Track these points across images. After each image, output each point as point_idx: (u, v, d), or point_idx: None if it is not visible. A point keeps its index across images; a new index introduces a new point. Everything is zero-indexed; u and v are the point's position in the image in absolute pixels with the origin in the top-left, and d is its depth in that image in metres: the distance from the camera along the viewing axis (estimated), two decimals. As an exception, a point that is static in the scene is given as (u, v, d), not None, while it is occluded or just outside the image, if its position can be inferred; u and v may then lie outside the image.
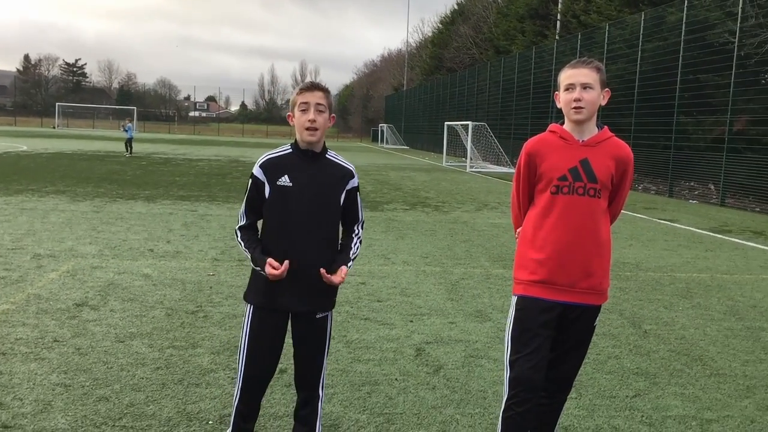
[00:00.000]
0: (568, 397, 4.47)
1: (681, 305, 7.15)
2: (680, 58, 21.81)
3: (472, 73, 46.92)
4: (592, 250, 3.12)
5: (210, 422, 3.89)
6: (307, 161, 3.15)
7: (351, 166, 3.27)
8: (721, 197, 19.95)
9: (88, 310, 5.96)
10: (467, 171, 31.28)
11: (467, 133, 33.93)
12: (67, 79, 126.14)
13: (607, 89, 3.19)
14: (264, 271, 3.07)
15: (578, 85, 3.08)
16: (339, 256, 3.22)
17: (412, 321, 6.12)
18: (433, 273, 8.23)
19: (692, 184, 22.49)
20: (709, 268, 9.35)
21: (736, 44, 19.23)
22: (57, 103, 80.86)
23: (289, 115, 3.22)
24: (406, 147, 64.56)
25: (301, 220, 3.12)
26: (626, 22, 26.24)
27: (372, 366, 4.93)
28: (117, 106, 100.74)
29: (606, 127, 3.23)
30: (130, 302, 6.28)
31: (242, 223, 3.24)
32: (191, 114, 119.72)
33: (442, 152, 39.50)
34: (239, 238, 3.25)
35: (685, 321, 6.54)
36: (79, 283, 6.92)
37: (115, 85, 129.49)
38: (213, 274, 7.50)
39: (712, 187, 21.13)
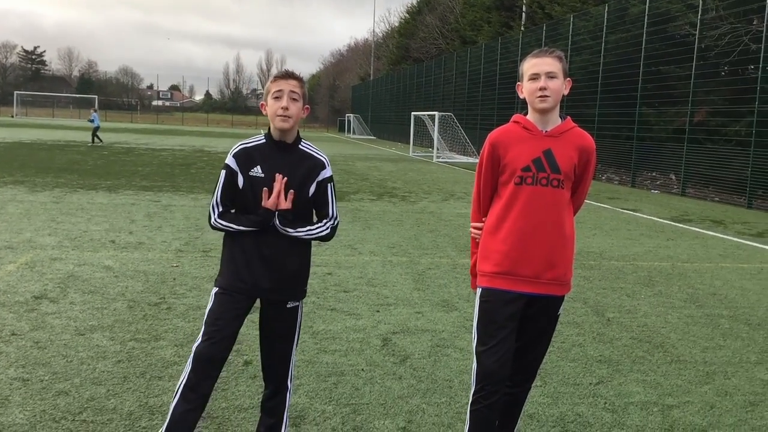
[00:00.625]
0: (533, 385, 4.52)
1: (643, 293, 7.26)
2: (643, 49, 22.11)
3: (438, 63, 46.99)
4: (556, 241, 3.12)
5: (173, 415, 3.83)
6: (279, 151, 3.12)
7: (324, 157, 3.22)
8: (682, 187, 20.32)
9: (48, 303, 5.83)
10: (434, 161, 31.36)
11: (434, 123, 34.01)
12: (25, 66, 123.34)
13: (568, 79, 3.18)
14: (264, 217, 3.03)
15: (543, 74, 3.07)
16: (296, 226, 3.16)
17: (378, 311, 6.11)
18: (400, 263, 8.23)
19: (654, 174, 22.86)
20: (671, 257, 9.51)
21: (696, 36, 19.55)
22: (15, 92, 79.02)
23: (262, 104, 3.18)
24: (373, 137, 64.49)
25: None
26: (591, 14, 26.51)
27: (338, 357, 4.91)
28: (77, 95, 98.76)
29: (569, 117, 3.23)
30: (90, 294, 6.16)
31: (219, 211, 3.15)
32: (154, 103, 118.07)
33: (409, 142, 39.54)
34: (223, 224, 3.13)
35: (647, 309, 6.64)
36: (38, 275, 6.77)
37: (76, 73, 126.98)
38: (176, 266, 7.40)
39: (674, 177, 21.50)
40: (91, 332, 5.15)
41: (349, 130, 72.04)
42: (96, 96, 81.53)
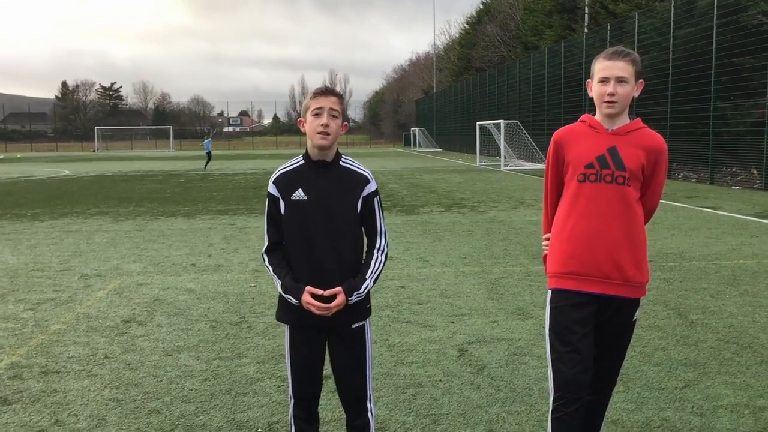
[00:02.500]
0: (616, 391, 4.43)
1: (728, 293, 7.02)
2: (713, 42, 21.41)
3: (501, 71, 46.68)
4: (622, 239, 3.03)
5: (259, 430, 3.96)
6: (320, 171, 3.04)
7: (367, 172, 3.11)
8: (764, 181, 19.49)
9: (136, 326, 6.10)
10: (501, 170, 31.10)
11: (500, 131, 33.75)
12: (104, 102, 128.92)
13: (641, 80, 3.11)
14: (297, 301, 2.98)
15: (613, 79, 3.01)
16: (354, 278, 3.04)
17: (453, 322, 6.12)
18: (472, 273, 8.21)
19: (734, 169, 22.01)
20: (756, 254, 9.15)
21: (771, 24, 18.79)
22: (95, 127, 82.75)
23: (300, 121, 3.10)
24: (439, 149, 64.45)
25: (320, 232, 3.00)
26: (656, 10, 25.85)
27: (415, 368, 4.95)
28: (153, 126, 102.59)
29: (638, 118, 3.16)
30: (175, 316, 6.41)
31: (267, 245, 3.12)
32: (225, 129, 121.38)
33: (475, 152, 39.35)
34: (267, 263, 3.12)
35: (733, 309, 6.41)
36: (126, 300, 7.08)
37: (151, 105, 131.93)
38: (254, 286, 7.60)
39: (755, 171, 20.65)
40: (178, 352, 5.36)
41: (414, 144, 72.22)
42: (171, 126, 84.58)
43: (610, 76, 3.02)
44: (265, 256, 3.14)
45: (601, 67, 3.07)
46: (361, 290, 3.02)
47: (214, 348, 5.46)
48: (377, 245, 3.13)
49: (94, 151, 75.13)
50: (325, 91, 3.04)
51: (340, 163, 3.09)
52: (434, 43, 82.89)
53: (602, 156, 3.05)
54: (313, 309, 2.95)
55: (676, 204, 15.63)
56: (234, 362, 5.12)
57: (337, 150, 3.11)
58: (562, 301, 3.09)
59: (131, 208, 16.33)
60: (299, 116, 3.15)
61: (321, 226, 3.00)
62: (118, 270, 8.69)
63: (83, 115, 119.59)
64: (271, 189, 3.08)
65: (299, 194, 3.02)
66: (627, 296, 3.09)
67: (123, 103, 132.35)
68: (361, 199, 3.06)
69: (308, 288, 2.97)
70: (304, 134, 3.09)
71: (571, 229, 3.09)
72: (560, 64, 34.01)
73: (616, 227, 3.03)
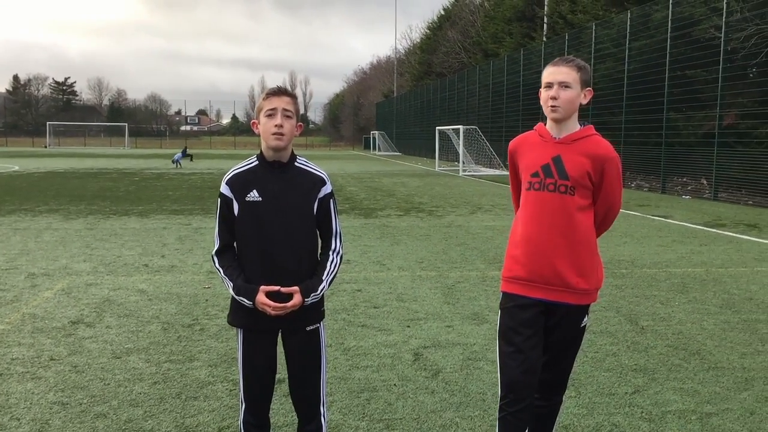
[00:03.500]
0: (567, 396, 4.47)
1: (677, 300, 7.16)
2: (668, 54, 21.92)
3: (461, 77, 47.04)
4: (562, 247, 3.07)
5: (209, 435, 3.88)
6: (275, 172, 2.99)
7: (323, 173, 3.07)
8: (713, 192, 20.01)
9: (84, 328, 5.94)
10: (460, 175, 31.31)
11: (459, 137, 33.99)
12: (57, 97, 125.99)
13: (589, 88, 3.14)
14: (250, 302, 2.93)
15: (556, 84, 3.07)
16: (311, 279, 3.01)
17: (409, 326, 6.11)
18: (429, 277, 8.23)
19: (685, 179, 22.56)
20: (704, 263, 9.37)
21: (722, 39, 19.33)
22: (48, 123, 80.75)
23: (254, 122, 3.04)
24: (398, 153, 64.61)
25: (275, 232, 2.95)
26: (613, 22, 26.36)
27: (370, 372, 4.92)
28: (108, 123, 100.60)
29: (590, 125, 3.19)
30: (125, 318, 6.26)
31: (218, 246, 3.06)
32: (183, 128, 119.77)
33: (434, 157, 39.55)
34: (217, 265, 3.07)
35: (682, 316, 6.54)
36: (74, 300, 6.89)
37: (106, 102, 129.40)
38: (209, 287, 7.48)
39: (705, 181, 21.19)
40: (127, 355, 5.23)
41: (374, 147, 72.28)
42: (126, 124, 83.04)
43: (553, 81, 3.09)
44: (216, 258, 3.08)
45: (546, 73, 3.14)
46: (318, 291, 3.00)
47: (164, 350, 5.35)
48: (332, 247, 3.10)
49: (45, 147, 73.30)
50: (278, 92, 2.99)
51: (296, 164, 3.05)
52: (395, 47, 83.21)
53: (546, 165, 3.11)
54: (268, 310, 2.91)
55: (628, 212, 15.93)
56: (185, 365, 5.02)
57: (292, 151, 3.07)
58: (509, 303, 3.17)
59: (83, 206, 15.96)
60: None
61: (276, 228, 2.96)
62: (66, 269, 8.46)
63: (35, 110, 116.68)
64: (224, 190, 3.01)
65: (254, 195, 2.96)
66: (571, 303, 3.12)
67: (77, 98, 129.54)
68: (317, 200, 3.03)
69: (262, 287, 2.93)
70: (259, 136, 3.03)
71: (518, 235, 3.18)
72: (519, 71, 34.41)
73: (557, 235, 3.08)
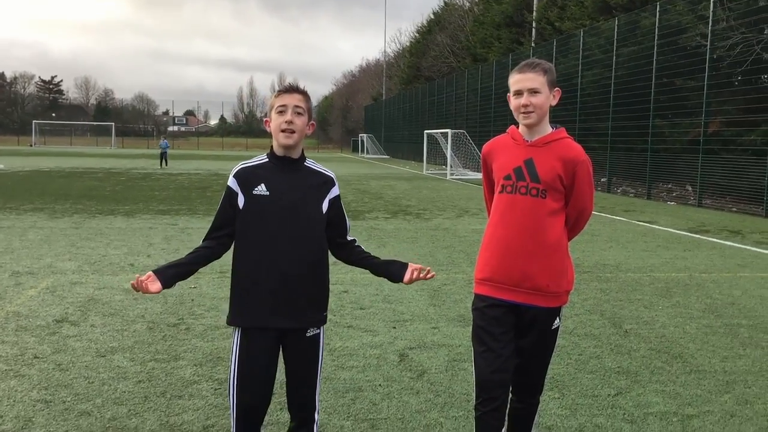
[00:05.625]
0: (551, 397, 4.51)
1: (661, 304, 7.23)
2: (654, 62, 22.11)
3: (450, 81, 47.18)
4: (533, 250, 3.08)
5: (193, 433, 3.88)
6: (284, 169, 2.95)
7: (331, 174, 3.07)
8: (698, 198, 20.20)
9: (68, 326, 5.91)
10: (448, 178, 31.40)
11: (447, 140, 34.09)
12: (43, 96, 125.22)
13: (557, 89, 3.16)
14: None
15: (525, 91, 3.09)
16: (382, 263, 3.14)
17: (395, 327, 6.14)
18: (416, 280, 8.25)
19: (670, 185, 22.75)
20: (688, 268, 9.46)
21: (708, 47, 19.53)
22: (33, 121, 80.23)
23: (266, 120, 3.02)
24: (386, 156, 64.69)
25: (282, 229, 2.89)
26: (600, 29, 26.57)
27: (356, 373, 4.94)
28: (94, 123, 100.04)
29: (562, 128, 3.21)
30: (110, 317, 6.24)
31: (204, 238, 3.05)
32: (170, 129, 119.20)
33: (422, 161, 39.63)
34: (188, 252, 3.09)
35: (665, 320, 6.61)
36: (59, 299, 6.86)
37: (93, 101, 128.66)
38: (194, 287, 7.47)
39: (690, 188, 21.39)
40: (111, 354, 5.21)
41: (362, 150, 72.33)
42: (113, 123, 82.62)
43: (522, 88, 3.11)
44: (197, 246, 3.06)
45: (513, 80, 3.16)
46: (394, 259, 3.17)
47: (149, 349, 5.34)
48: (354, 239, 3.18)
49: (31, 145, 72.78)
50: (290, 89, 2.97)
51: (306, 163, 3.02)
52: (384, 51, 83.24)
53: (518, 168, 3.13)
54: (138, 282, 2.88)
55: (614, 217, 16.04)
56: (170, 364, 5.01)
57: (303, 151, 3.04)
58: (480, 304, 3.20)
59: (68, 205, 15.86)
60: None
61: (283, 225, 2.89)
62: (51, 268, 8.42)
63: (21, 108, 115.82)
64: (231, 183, 2.95)
65: (261, 189, 2.92)
66: (540, 305, 3.13)
67: (63, 97, 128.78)
68: (327, 201, 3.02)
69: (150, 274, 2.92)
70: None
71: (489, 237, 3.21)
72: (507, 76, 34.42)
73: (527, 237, 3.09)
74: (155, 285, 2.89)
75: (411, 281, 3.04)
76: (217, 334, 5.75)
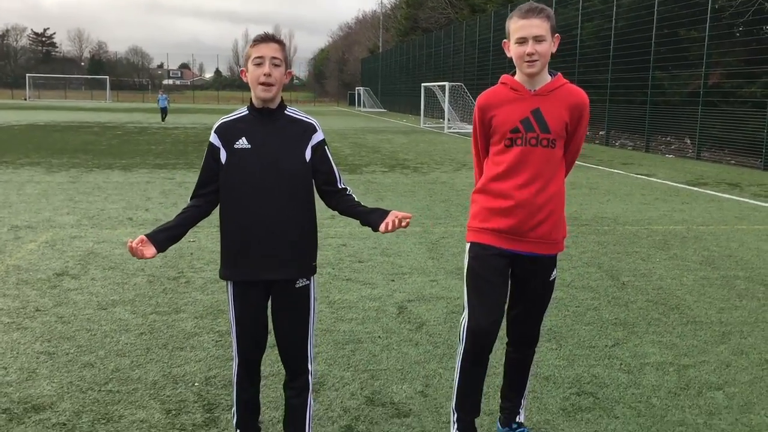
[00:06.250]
0: (549, 348, 4.56)
1: (658, 257, 7.27)
2: (655, 12, 21.80)
3: (447, 33, 46.54)
4: (543, 199, 3.05)
5: (196, 384, 3.93)
6: (264, 120, 2.92)
7: (313, 120, 3.01)
8: (697, 151, 20.15)
9: (69, 279, 5.94)
10: (445, 132, 31.24)
11: (444, 94, 33.80)
12: (36, 49, 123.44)
13: (557, 35, 3.05)
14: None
15: (530, 39, 2.95)
16: (365, 212, 3.00)
17: (393, 280, 6.17)
18: (414, 233, 8.27)
19: (669, 138, 22.66)
20: (686, 220, 9.49)
21: (710, -3, 19.23)
22: (27, 75, 79.23)
23: (242, 71, 2.95)
24: (383, 110, 64.22)
25: (265, 182, 2.87)
26: (601, -22, 26.10)
27: (355, 325, 4.98)
28: (89, 76, 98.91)
29: (559, 74, 3.12)
30: (111, 270, 6.26)
31: (191, 196, 3.06)
32: (165, 82, 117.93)
33: (419, 114, 39.36)
34: (178, 213, 3.08)
35: (663, 272, 6.65)
36: (59, 253, 6.88)
37: (86, 54, 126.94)
38: (193, 241, 7.48)
39: (688, 141, 21.31)
40: (113, 306, 5.25)
41: (359, 104, 71.77)
42: (107, 77, 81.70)
43: (527, 35, 2.95)
44: (184, 207, 3.05)
45: (516, 26, 2.99)
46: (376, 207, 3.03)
47: (150, 302, 5.37)
48: (346, 189, 3.06)
49: (25, 99, 72.07)
50: (266, 38, 2.89)
51: (285, 112, 2.97)
52: (381, 2, 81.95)
53: (526, 119, 3.02)
54: (131, 244, 2.82)
55: (612, 170, 16.02)
56: (171, 317, 5.05)
57: (282, 99, 3.00)
58: (479, 252, 3.12)
59: (65, 159, 15.78)
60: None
61: (266, 176, 2.87)
62: (50, 222, 8.42)
63: (14, 62, 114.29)
64: (213, 138, 2.94)
65: (242, 143, 2.89)
66: (543, 253, 3.11)
67: (56, 50, 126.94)
68: (309, 147, 2.95)
69: (142, 236, 2.88)
70: (247, 85, 2.97)
71: (496, 189, 3.10)
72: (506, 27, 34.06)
73: (539, 188, 3.03)
74: (150, 250, 2.89)
75: (387, 231, 2.90)
76: (217, 287, 5.78)
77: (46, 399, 3.68)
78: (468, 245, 3.20)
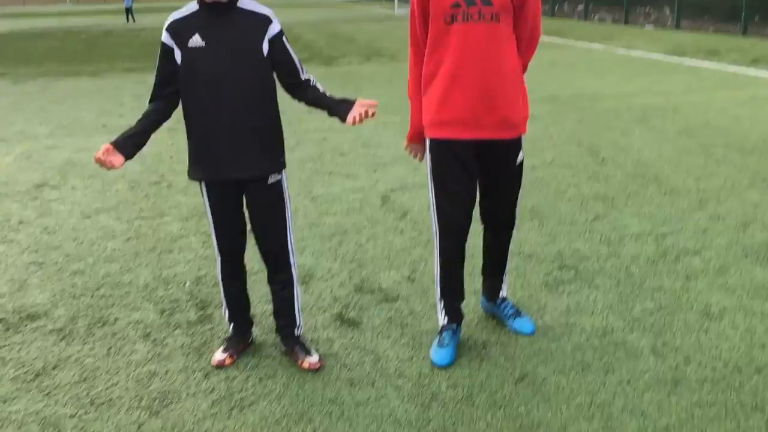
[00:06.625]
0: (531, 227, 4.65)
1: (637, 130, 7.30)
2: None
3: None
4: (494, 80, 2.88)
5: (187, 284, 4.00)
6: (216, 15, 2.78)
7: (267, 11, 2.85)
8: (676, 20, 19.80)
9: (49, 190, 5.90)
10: (395, 13, 30.37)
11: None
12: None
13: None
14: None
15: None
16: (332, 103, 2.89)
17: (375, 171, 6.19)
18: (393, 123, 8.20)
19: (647, 9, 22.20)
20: (664, 92, 9.46)
21: None
22: (-21, -19, 75.33)
23: None
24: (356, -3, 62.06)
25: (223, 79, 2.79)
26: None
27: (340, 217, 5.03)
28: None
29: None
30: (90, 179, 6.22)
31: (150, 99, 3.00)
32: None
33: (393, 0, 38.16)
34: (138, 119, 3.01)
35: (641, 144, 6.70)
36: (36, 164, 6.80)
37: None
38: (172, 144, 7.39)
39: (667, 10, 20.90)
40: (96, 214, 5.25)
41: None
42: (64, -22, 77.77)
43: None
44: (144, 112, 3.00)
45: None
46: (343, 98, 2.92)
47: (134, 208, 5.38)
48: (309, 79, 2.95)
49: (-19, 8, 68.91)
50: None
51: (238, 5, 2.81)
52: None
53: None
54: (98, 156, 2.83)
55: (591, 46, 15.79)
56: (156, 221, 5.07)
57: None
58: (440, 147, 2.99)
59: (32, 68, 15.30)
60: None
61: (224, 73, 2.79)
62: (24, 134, 8.27)
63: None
64: (164, 38, 2.83)
65: (196, 40, 2.78)
66: (505, 137, 2.99)
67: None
68: (267, 41, 2.83)
69: (107, 145, 2.88)
70: None
71: (441, 75, 2.91)
72: None
73: (487, 68, 2.86)
74: (118, 158, 2.87)
75: (354, 123, 2.83)
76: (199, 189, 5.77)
77: (40, 307, 3.74)
78: (428, 142, 3.04)
